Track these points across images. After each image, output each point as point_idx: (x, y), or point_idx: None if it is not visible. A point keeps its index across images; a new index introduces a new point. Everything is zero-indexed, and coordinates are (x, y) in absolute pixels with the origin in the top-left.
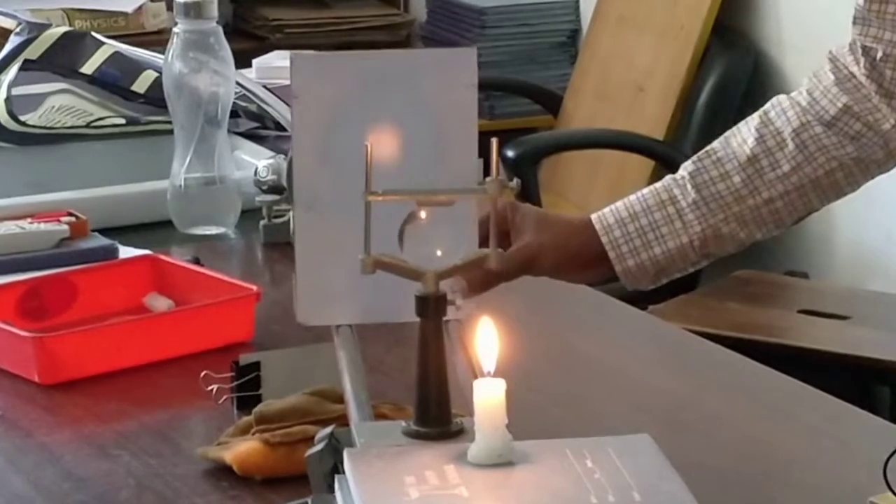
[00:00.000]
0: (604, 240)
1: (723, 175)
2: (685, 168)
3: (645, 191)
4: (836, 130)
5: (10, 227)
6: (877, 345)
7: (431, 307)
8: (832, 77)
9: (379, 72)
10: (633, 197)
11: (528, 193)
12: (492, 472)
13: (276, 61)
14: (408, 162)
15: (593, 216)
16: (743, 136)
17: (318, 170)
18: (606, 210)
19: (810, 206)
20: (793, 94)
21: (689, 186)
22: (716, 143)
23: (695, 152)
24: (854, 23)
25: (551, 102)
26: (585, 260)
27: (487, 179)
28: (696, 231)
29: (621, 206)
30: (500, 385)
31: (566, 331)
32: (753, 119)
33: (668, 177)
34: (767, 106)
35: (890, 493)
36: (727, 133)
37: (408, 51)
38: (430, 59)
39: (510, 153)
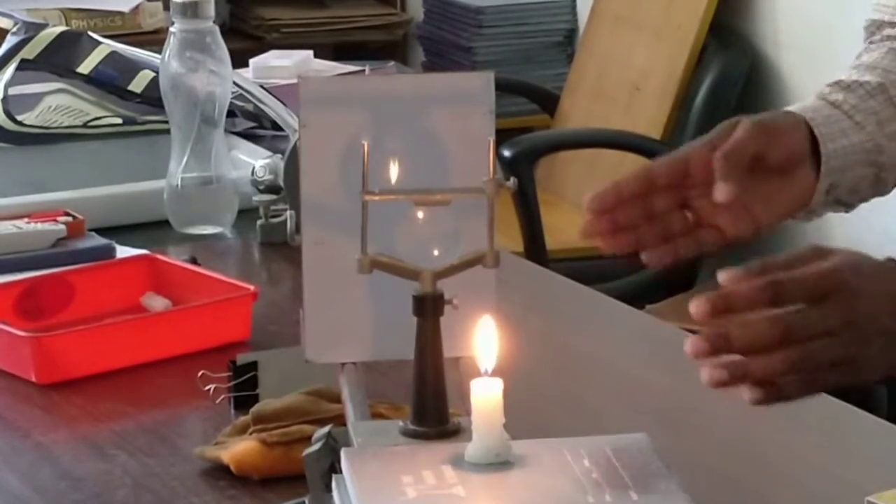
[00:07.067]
0: (807, 116)
1: (864, 96)
2: (822, 93)
3: (807, 104)
4: None
5: (6, 227)
6: None
7: (429, 307)
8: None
9: (391, 98)
10: (797, 107)
11: (525, 193)
12: (489, 472)
13: (273, 61)
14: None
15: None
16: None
17: (327, 202)
18: (792, 108)
19: None
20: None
21: (841, 95)
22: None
23: None
24: None
25: (548, 102)
26: (795, 142)
27: (484, 179)
28: (868, 132)
29: (800, 107)
30: (497, 384)
31: (563, 330)
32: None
33: (814, 97)
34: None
35: (888, 493)
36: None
37: (422, 75)
38: (446, 84)
39: (507, 153)
